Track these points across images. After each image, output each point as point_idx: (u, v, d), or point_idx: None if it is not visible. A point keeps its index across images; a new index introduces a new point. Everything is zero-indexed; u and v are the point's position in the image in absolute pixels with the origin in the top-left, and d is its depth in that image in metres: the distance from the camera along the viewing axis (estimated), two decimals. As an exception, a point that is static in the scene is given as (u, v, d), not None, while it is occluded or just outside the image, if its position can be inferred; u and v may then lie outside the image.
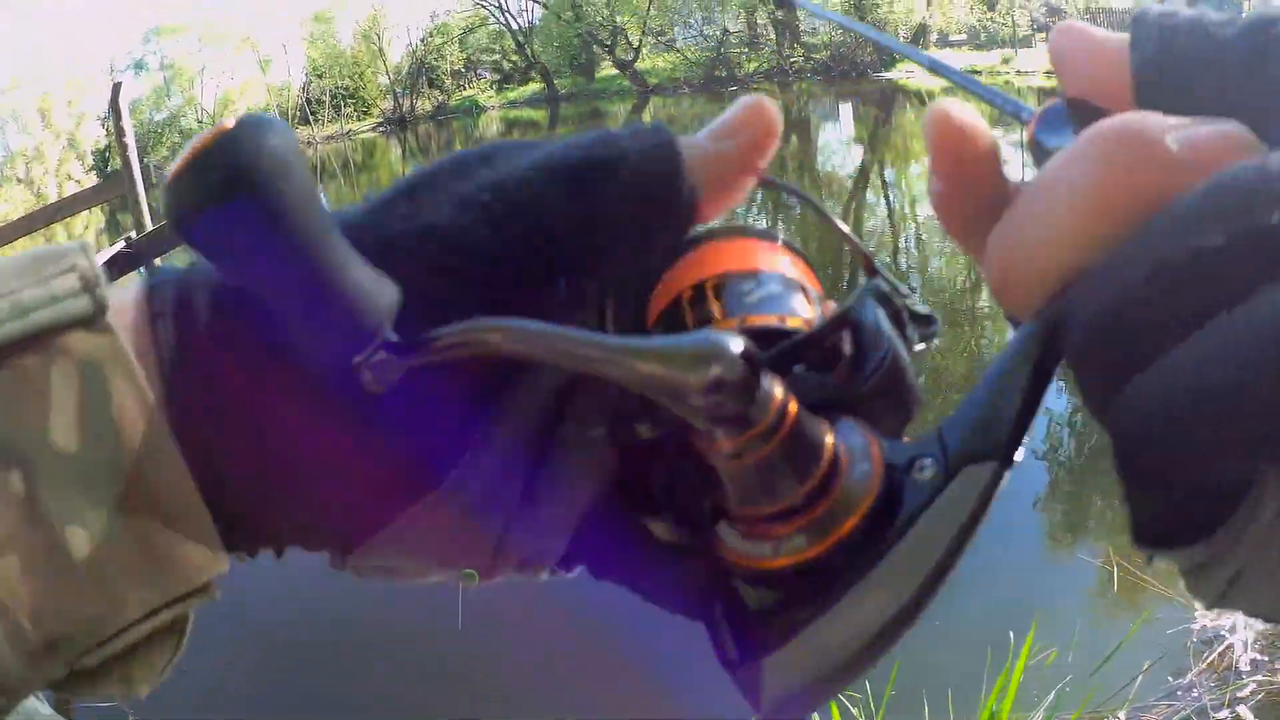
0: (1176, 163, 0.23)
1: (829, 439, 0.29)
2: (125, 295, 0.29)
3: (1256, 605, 0.31)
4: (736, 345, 0.26)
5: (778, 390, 0.28)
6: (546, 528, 0.34)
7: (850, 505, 0.29)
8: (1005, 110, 0.40)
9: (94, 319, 0.27)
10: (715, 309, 0.35)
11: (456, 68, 35.55)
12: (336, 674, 3.27)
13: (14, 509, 0.25)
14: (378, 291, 0.29)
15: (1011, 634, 2.20)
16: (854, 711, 2.16)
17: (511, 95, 35.57)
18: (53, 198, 25.87)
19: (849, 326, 0.33)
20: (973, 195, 0.30)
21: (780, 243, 0.39)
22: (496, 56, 36.99)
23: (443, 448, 0.31)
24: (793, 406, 0.28)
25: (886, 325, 0.32)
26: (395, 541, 0.32)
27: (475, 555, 0.33)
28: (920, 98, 22.97)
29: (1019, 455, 0.28)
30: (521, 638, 3.18)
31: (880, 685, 2.15)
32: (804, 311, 0.35)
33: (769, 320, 0.34)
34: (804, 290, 0.37)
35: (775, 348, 0.32)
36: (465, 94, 35.40)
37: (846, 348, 0.33)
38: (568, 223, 0.31)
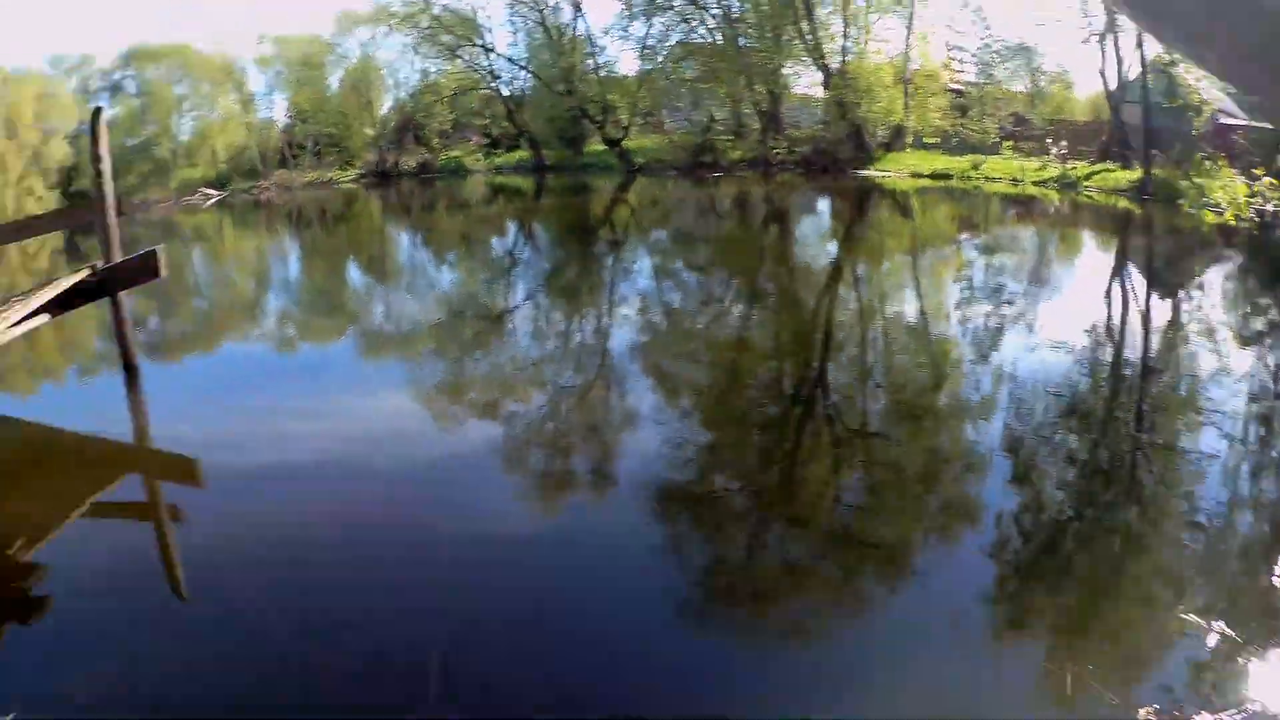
0: None
1: None
2: None
3: None
4: None
5: None
6: None
7: None
8: None
9: None
10: None
11: (444, 128, 35.70)
12: None
13: None
14: None
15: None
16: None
17: (498, 160, 35.85)
18: (10, 209, 24.56)
19: None
20: None
21: None
22: (485, 121, 37.43)
23: None
24: None
25: None
26: None
27: None
28: (894, 197, 23.89)
29: None
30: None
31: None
32: None
33: None
34: None
35: None
36: (451, 154, 35.55)
37: None
38: None
